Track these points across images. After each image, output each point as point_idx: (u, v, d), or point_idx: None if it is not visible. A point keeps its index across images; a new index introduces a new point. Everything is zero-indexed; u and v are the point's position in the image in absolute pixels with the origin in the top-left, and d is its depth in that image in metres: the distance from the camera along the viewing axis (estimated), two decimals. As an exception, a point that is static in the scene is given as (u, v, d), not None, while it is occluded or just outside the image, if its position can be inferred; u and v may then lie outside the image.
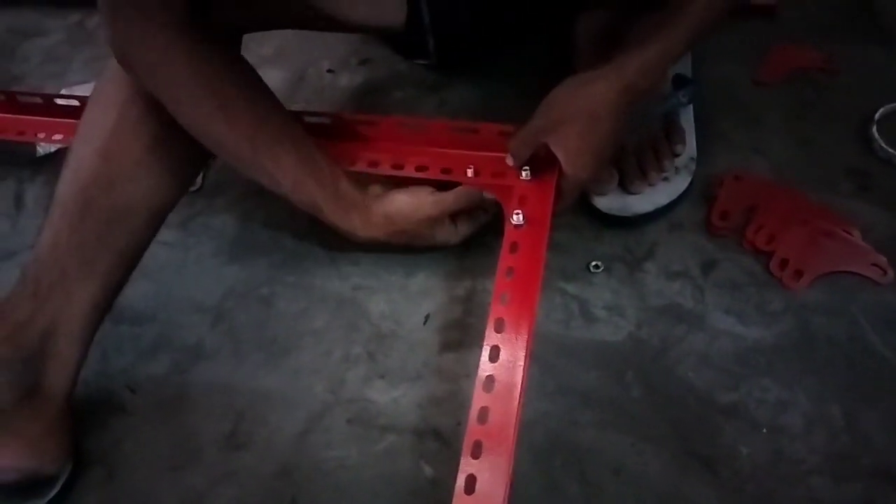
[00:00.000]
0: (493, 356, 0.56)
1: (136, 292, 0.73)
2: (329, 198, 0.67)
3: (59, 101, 0.83)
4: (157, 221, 0.66)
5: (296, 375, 0.68)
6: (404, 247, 0.72)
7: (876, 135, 0.77)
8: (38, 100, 0.83)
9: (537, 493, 0.58)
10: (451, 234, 0.72)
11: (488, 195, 0.71)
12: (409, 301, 0.72)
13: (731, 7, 0.64)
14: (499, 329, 0.57)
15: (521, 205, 0.65)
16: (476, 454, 0.51)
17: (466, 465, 0.51)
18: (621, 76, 0.61)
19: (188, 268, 0.78)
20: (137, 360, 0.71)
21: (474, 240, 0.74)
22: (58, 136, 0.82)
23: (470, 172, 0.71)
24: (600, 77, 0.62)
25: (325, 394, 0.66)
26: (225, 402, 0.67)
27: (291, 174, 0.65)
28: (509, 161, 0.67)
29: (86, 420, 0.66)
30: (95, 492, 0.62)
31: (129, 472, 0.63)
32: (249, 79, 0.65)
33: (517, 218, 0.64)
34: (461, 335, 0.69)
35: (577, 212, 0.75)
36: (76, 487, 0.62)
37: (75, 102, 0.81)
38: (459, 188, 0.71)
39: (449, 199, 0.70)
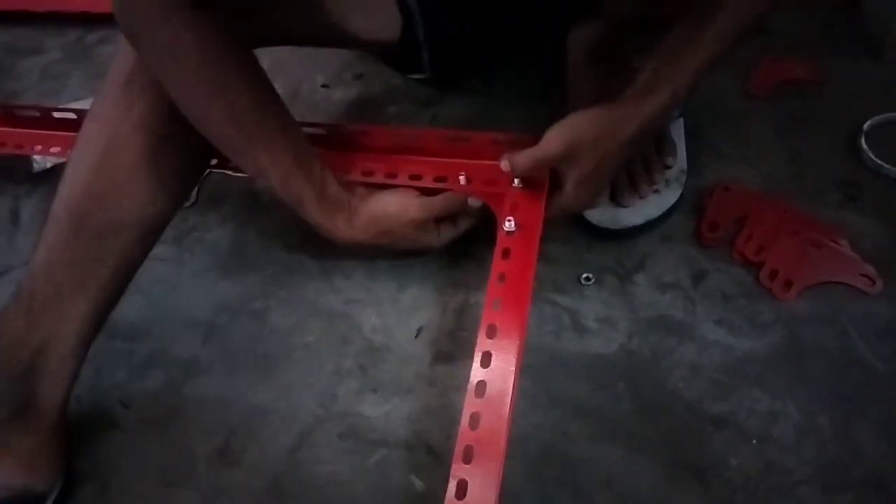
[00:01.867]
0: (485, 362, 0.56)
1: (129, 307, 0.73)
2: (315, 196, 0.67)
3: (57, 115, 0.83)
4: (151, 237, 0.66)
5: (288, 390, 0.68)
6: (386, 249, 0.72)
7: (865, 146, 0.78)
8: (36, 113, 0.84)
9: (529, 506, 0.58)
10: (434, 238, 0.72)
11: (473, 201, 0.71)
12: (401, 314, 0.72)
13: (747, 30, 0.62)
14: (491, 335, 0.57)
15: (513, 212, 0.66)
16: (467, 459, 0.51)
17: (457, 471, 0.51)
18: (640, 114, 0.61)
19: (182, 283, 0.78)
20: (131, 375, 0.71)
21: (466, 252, 0.75)
22: (55, 149, 0.83)
23: (462, 180, 0.71)
24: (621, 115, 0.62)
25: (316, 408, 0.66)
26: (218, 418, 0.67)
27: (283, 168, 0.65)
28: (504, 166, 0.66)
29: (78, 436, 0.66)
30: (88, 508, 0.62)
31: (121, 489, 0.63)
32: (252, 67, 0.64)
33: (509, 225, 0.65)
34: (453, 348, 0.69)
35: (568, 224, 0.76)
36: (70, 503, 0.62)
37: (72, 115, 0.82)
38: (446, 193, 0.71)
39: (436, 202, 0.70)
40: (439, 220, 0.72)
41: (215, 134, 0.63)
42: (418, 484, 0.60)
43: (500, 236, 0.65)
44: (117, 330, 0.74)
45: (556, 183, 0.66)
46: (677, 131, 0.80)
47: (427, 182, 0.73)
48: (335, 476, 0.62)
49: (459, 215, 0.72)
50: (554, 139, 0.63)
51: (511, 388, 0.54)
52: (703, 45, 0.60)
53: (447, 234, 0.72)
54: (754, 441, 0.59)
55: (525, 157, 0.64)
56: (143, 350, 0.73)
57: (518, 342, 0.56)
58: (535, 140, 0.64)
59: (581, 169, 0.63)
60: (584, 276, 0.72)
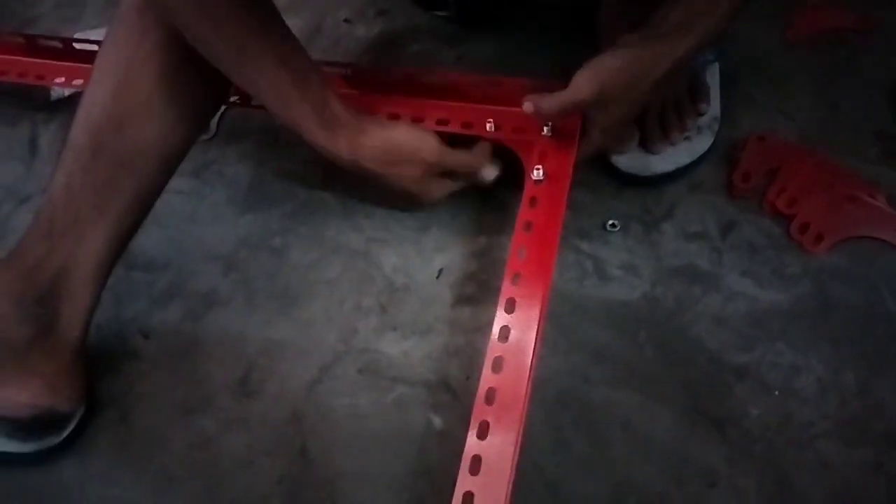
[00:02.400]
0: (510, 308, 0.55)
1: (149, 239, 0.73)
2: (312, 114, 0.63)
3: (78, 46, 0.82)
4: (169, 165, 0.65)
5: (307, 325, 0.68)
6: (380, 182, 0.67)
7: (907, 99, 0.75)
8: (58, 44, 0.82)
9: (547, 449, 0.59)
10: (434, 189, 0.69)
11: (489, 172, 0.69)
12: (423, 255, 0.72)
13: None
14: (515, 282, 0.57)
15: (542, 160, 0.64)
16: (490, 401, 0.51)
17: (480, 412, 0.51)
18: (674, 54, 0.58)
19: (201, 216, 0.78)
20: (150, 306, 0.71)
21: (489, 196, 0.73)
22: (77, 81, 0.81)
23: (490, 126, 0.70)
24: (654, 55, 0.59)
25: (336, 343, 0.67)
26: (237, 350, 0.67)
27: (275, 88, 0.62)
28: (527, 108, 0.63)
29: (99, 364, 0.66)
30: (108, 433, 0.63)
31: (141, 415, 0.64)
32: None
33: (537, 173, 0.63)
34: (474, 290, 0.69)
35: (595, 170, 0.74)
36: (89, 428, 0.63)
37: (94, 47, 0.80)
38: (468, 151, 0.69)
39: (456, 155, 0.68)
40: (444, 174, 0.69)
41: (204, 50, 0.60)
42: (437, 421, 0.61)
43: (527, 184, 0.63)
44: (137, 261, 0.74)
45: (582, 127, 0.64)
46: (713, 77, 0.77)
47: (454, 127, 0.70)
48: (354, 410, 0.62)
49: (464, 175, 0.69)
50: (585, 83, 0.59)
51: (534, 336, 0.54)
52: None
53: (444, 188, 0.69)
54: (776, 392, 0.59)
55: (554, 101, 0.61)
56: (163, 282, 0.73)
57: (543, 291, 0.56)
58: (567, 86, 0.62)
59: (611, 115, 0.61)
60: (610, 222, 0.71)
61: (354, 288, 0.70)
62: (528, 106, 0.63)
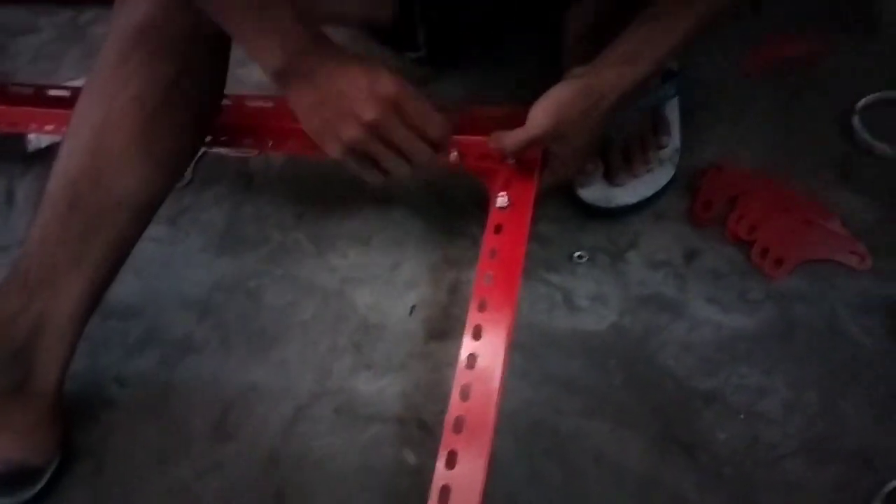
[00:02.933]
0: (476, 335, 0.57)
1: (124, 287, 0.73)
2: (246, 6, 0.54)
3: (51, 93, 0.83)
4: (145, 216, 0.66)
5: (283, 367, 0.69)
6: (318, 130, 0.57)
7: (858, 124, 0.78)
8: (30, 90, 0.84)
9: (520, 480, 0.59)
10: (366, 169, 0.59)
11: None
12: (395, 292, 0.73)
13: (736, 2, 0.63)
14: (482, 309, 0.58)
15: (506, 187, 0.66)
16: (458, 429, 0.52)
17: (448, 441, 0.52)
18: (622, 83, 0.61)
19: (176, 262, 0.79)
20: (126, 354, 0.72)
21: (459, 230, 0.75)
22: (49, 127, 0.82)
23: (454, 155, 0.71)
24: (603, 84, 0.61)
25: (311, 384, 0.67)
26: (213, 395, 0.68)
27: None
28: (491, 144, 0.65)
29: (75, 413, 0.66)
30: (84, 484, 0.63)
31: (118, 465, 0.64)
32: None
33: (502, 200, 0.65)
34: (446, 325, 0.70)
35: (561, 203, 0.76)
36: (65, 480, 0.63)
37: (66, 93, 0.81)
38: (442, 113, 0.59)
39: (424, 102, 0.57)
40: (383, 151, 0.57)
41: None
42: (411, 458, 0.61)
43: (492, 212, 0.65)
44: (113, 309, 0.74)
45: (544, 157, 0.67)
46: (672, 110, 0.80)
47: None
48: (330, 450, 0.63)
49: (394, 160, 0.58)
50: (541, 117, 0.62)
51: (501, 361, 0.55)
52: (690, 14, 0.60)
53: (372, 174, 0.59)
54: (742, 416, 0.60)
55: (514, 138, 0.64)
56: (139, 329, 0.73)
57: (508, 316, 0.57)
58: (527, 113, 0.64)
59: (569, 144, 0.63)
60: (577, 254, 0.72)
61: (329, 328, 0.71)
62: (492, 142, 0.66)
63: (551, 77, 0.72)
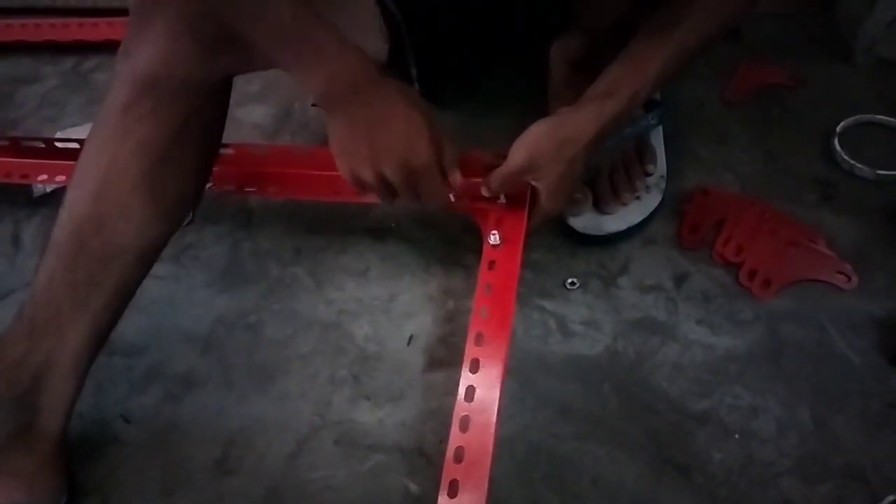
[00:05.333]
0: (474, 368, 0.58)
1: (128, 325, 0.75)
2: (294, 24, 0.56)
3: (60, 145, 0.86)
4: (149, 259, 0.67)
5: (284, 400, 0.70)
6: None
7: (838, 147, 0.80)
8: (41, 144, 0.87)
9: (519, 506, 0.60)
10: (387, 198, 0.62)
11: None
12: (393, 323, 0.74)
13: (713, 37, 0.64)
14: (479, 342, 0.60)
15: (498, 226, 0.68)
16: (458, 459, 0.54)
17: (449, 471, 0.53)
18: (600, 118, 0.63)
19: (179, 299, 0.80)
20: (131, 390, 0.73)
21: (454, 261, 0.77)
22: (60, 178, 0.85)
23: (451, 197, 0.73)
24: (580, 119, 0.63)
25: (312, 417, 0.68)
26: (215, 429, 0.69)
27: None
28: (485, 192, 0.68)
29: (81, 450, 0.67)
30: (90, 520, 0.64)
31: (123, 501, 0.65)
32: None
33: (494, 238, 0.67)
34: (445, 354, 0.71)
35: (553, 232, 0.78)
36: (72, 516, 0.64)
37: (75, 145, 0.84)
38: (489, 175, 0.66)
39: (457, 157, 0.61)
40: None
41: None
42: (413, 487, 0.62)
43: (485, 249, 0.67)
44: (117, 347, 0.76)
45: (533, 193, 0.69)
46: (657, 138, 0.83)
47: None
48: (331, 482, 0.64)
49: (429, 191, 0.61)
50: (516, 153, 0.64)
51: (498, 392, 0.57)
52: (666, 50, 0.62)
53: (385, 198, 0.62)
54: (736, 436, 0.61)
55: (495, 177, 0.66)
56: (143, 365, 0.75)
57: (504, 348, 0.59)
58: None
59: (549, 177, 0.65)
60: (569, 280, 0.74)
61: (328, 360, 0.72)
62: (484, 190, 0.68)
63: (539, 112, 0.75)
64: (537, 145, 0.63)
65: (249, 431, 0.68)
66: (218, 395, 0.71)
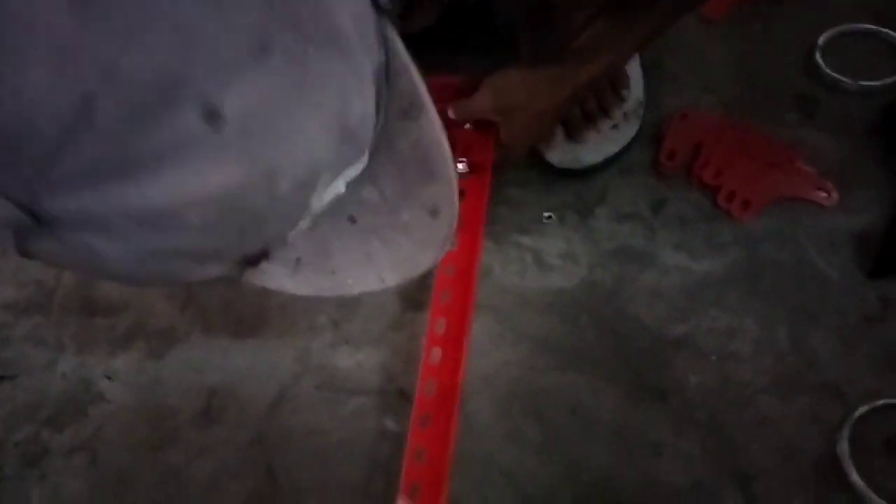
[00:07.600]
0: (443, 297, 0.59)
1: (108, 285, 0.75)
2: None
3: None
4: None
5: (264, 349, 0.70)
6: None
7: (820, 60, 0.78)
8: None
9: (499, 438, 0.60)
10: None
11: None
12: (370, 268, 0.74)
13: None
14: (447, 272, 0.59)
15: (465, 153, 0.67)
16: (429, 392, 0.55)
17: (421, 405, 0.55)
18: (577, 81, 0.62)
19: (156, 257, 0.80)
20: (113, 349, 0.73)
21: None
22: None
23: None
24: (557, 78, 0.62)
25: (293, 364, 0.68)
26: (199, 382, 0.69)
27: None
28: (451, 114, 0.66)
29: (66, 410, 0.68)
30: (80, 477, 0.65)
31: (111, 456, 0.66)
32: None
33: (462, 166, 0.66)
34: (421, 295, 0.71)
35: (529, 166, 0.76)
36: (62, 472, 0.65)
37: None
38: None
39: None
40: None
41: None
42: (391, 425, 0.63)
43: None
44: (98, 307, 0.76)
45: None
46: (633, 63, 0.80)
47: None
48: (314, 426, 0.64)
49: None
50: (486, 95, 0.63)
51: (467, 319, 0.56)
52: (649, 17, 0.60)
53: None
54: (714, 358, 0.61)
55: (461, 107, 0.65)
56: (124, 324, 0.75)
57: (471, 278, 0.58)
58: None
59: (514, 124, 0.64)
60: (546, 214, 0.73)
61: (306, 308, 0.72)
62: (451, 112, 0.66)
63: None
64: (508, 90, 0.62)
65: (232, 382, 0.68)
66: (199, 348, 0.72)
